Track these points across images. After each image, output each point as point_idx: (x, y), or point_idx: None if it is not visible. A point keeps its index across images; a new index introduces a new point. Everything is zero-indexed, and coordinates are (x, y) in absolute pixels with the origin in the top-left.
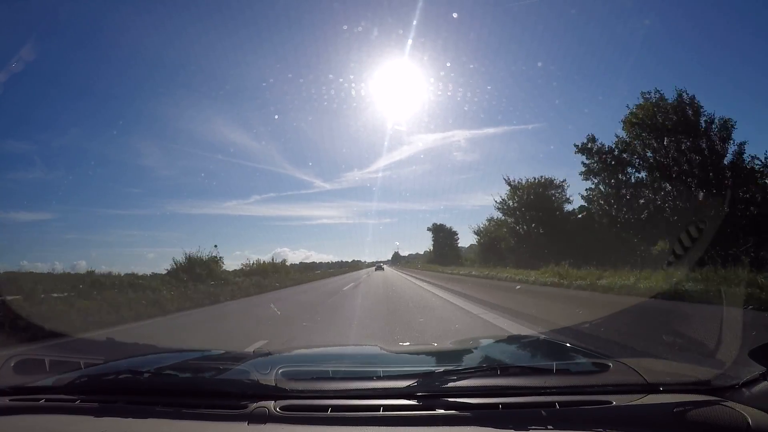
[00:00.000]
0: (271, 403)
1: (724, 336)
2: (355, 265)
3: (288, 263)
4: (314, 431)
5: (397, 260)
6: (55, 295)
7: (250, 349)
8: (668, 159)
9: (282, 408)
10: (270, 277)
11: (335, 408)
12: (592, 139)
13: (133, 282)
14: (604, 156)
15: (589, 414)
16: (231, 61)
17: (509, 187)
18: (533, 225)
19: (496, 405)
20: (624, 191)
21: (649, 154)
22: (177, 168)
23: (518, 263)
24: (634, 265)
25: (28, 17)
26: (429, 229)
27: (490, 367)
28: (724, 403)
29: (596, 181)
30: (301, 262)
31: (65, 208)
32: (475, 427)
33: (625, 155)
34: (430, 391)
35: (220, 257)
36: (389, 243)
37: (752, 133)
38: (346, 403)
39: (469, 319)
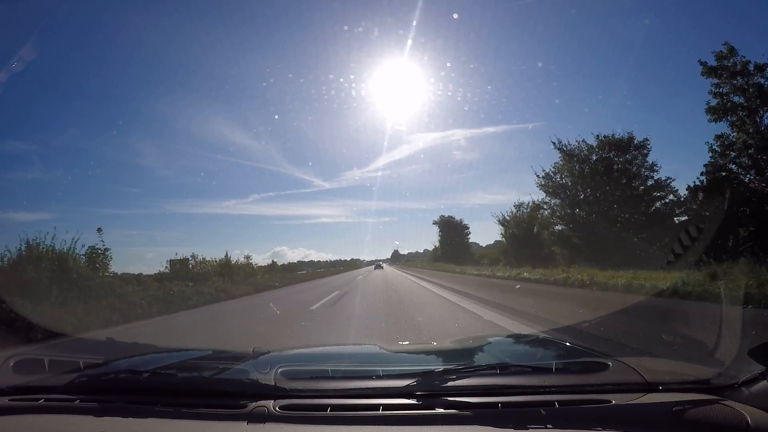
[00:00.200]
0: (270, 403)
1: (723, 335)
2: (354, 264)
3: (252, 262)
4: (314, 430)
5: (396, 259)
6: None
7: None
8: None
9: (281, 407)
10: (213, 283)
11: (335, 407)
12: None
13: None
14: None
15: (589, 413)
16: (230, 60)
17: (560, 154)
18: (599, 206)
19: (495, 404)
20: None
21: None
22: (176, 167)
23: (571, 260)
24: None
25: (27, 17)
26: (435, 223)
27: (489, 366)
28: (724, 402)
29: None
30: (287, 263)
31: (64, 208)
32: (475, 426)
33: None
34: (429, 390)
35: (105, 251)
36: (389, 242)
37: None
38: (346, 403)
39: None
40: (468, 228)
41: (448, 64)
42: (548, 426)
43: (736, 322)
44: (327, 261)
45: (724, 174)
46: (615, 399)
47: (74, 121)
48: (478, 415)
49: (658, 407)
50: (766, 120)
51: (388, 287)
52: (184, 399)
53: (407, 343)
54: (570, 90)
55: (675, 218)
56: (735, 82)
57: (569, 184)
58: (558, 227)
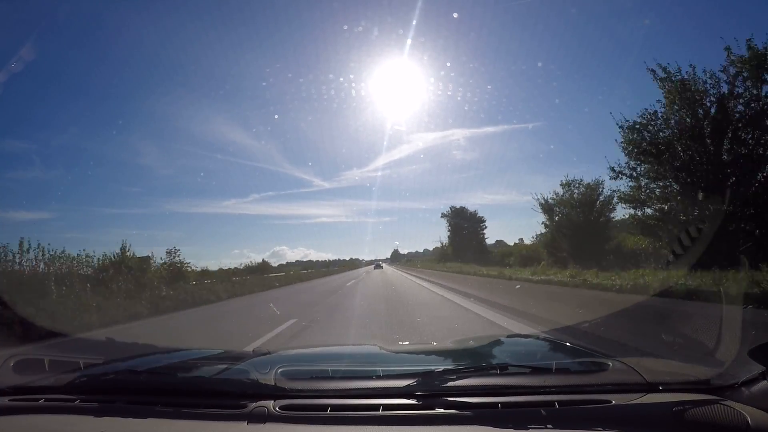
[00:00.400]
0: (270, 403)
1: (723, 335)
2: (352, 264)
3: (192, 267)
4: (314, 431)
5: (396, 259)
6: None
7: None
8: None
9: (281, 407)
10: (148, 290)
11: (335, 407)
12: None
13: None
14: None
15: (589, 413)
16: (230, 60)
17: (663, 84)
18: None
19: (495, 404)
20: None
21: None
22: (176, 167)
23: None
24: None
25: (27, 17)
26: (443, 216)
27: (489, 366)
28: (724, 403)
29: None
30: (253, 263)
31: (64, 208)
32: (475, 426)
33: None
34: (429, 390)
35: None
36: (389, 242)
37: None
38: (346, 403)
39: None
40: (484, 221)
41: (448, 64)
42: (548, 426)
43: (736, 323)
44: (326, 260)
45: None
46: (615, 399)
47: (74, 121)
48: (478, 415)
49: (659, 407)
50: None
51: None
52: (184, 399)
53: (407, 343)
54: (570, 90)
55: None
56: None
57: (674, 136)
58: (648, 209)
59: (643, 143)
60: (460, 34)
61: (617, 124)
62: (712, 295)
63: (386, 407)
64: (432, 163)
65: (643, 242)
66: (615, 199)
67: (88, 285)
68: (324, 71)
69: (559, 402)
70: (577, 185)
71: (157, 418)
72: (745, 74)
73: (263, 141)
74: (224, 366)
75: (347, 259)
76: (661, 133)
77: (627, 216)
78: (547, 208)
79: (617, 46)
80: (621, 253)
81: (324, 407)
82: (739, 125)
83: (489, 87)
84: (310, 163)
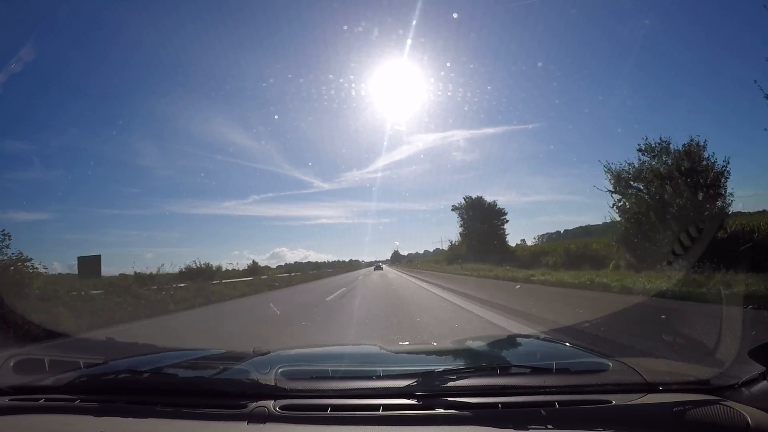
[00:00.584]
0: (270, 403)
1: (723, 335)
2: (352, 265)
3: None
4: (314, 431)
5: (397, 260)
6: None
7: None
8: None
9: (281, 407)
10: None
11: (335, 407)
12: None
13: None
14: None
15: (589, 413)
16: (230, 60)
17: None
18: None
19: (495, 404)
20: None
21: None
22: (176, 168)
23: None
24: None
25: (27, 17)
26: (455, 209)
27: (489, 366)
28: (724, 403)
29: None
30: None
31: (64, 208)
32: (475, 426)
33: None
34: (429, 390)
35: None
36: (389, 243)
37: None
38: (346, 403)
39: None
40: (505, 214)
41: (448, 65)
42: (548, 426)
43: (736, 323)
44: (325, 262)
45: None
46: (615, 399)
47: (74, 121)
48: (478, 415)
49: (659, 407)
50: None
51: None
52: (184, 399)
53: (407, 343)
54: (570, 90)
55: None
56: None
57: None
58: None
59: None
60: (460, 34)
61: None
62: (713, 296)
63: (386, 407)
64: (432, 164)
65: None
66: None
67: None
68: (324, 72)
69: (559, 402)
70: (666, 148)
71: (157, 418)
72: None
73: (263, 142)
74: (224, 366)
75: (347, 260)
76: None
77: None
78: (618, 182)
79: (617, 46)
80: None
81: (324, 407)
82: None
83: (489, 87)
84: (310, 164)
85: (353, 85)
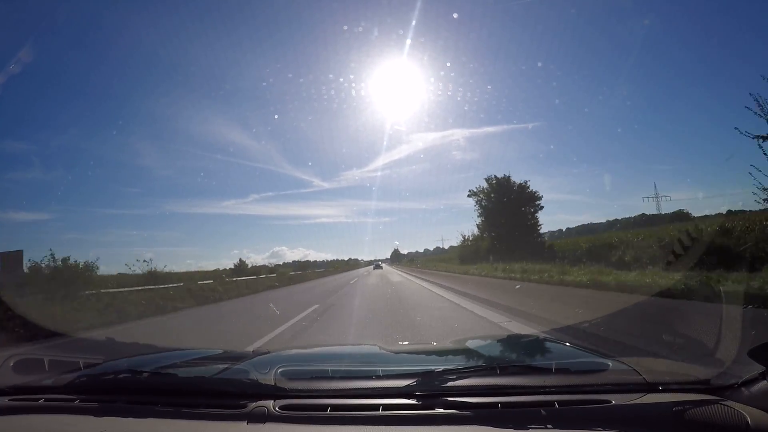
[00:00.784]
0: (270, 403)
1: (723, 335)
2: (351, 264)
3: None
4: (313, 431)
5: (397, 259)
6: None
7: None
8: None
9: (281, 407)
10: None
11: (334, 407)
12: None
13: None
14: None
15: (589, 413)
16: (230, 60)
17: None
18: None
19: (495, 404)
20: None
21: None
22: (175, 167)
23: None
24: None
25: (26, 18)
26: (473, 194)
27: (489, 366)
28: (724, 403)
29: None
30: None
31: (64, 208)
32: (475, 426)
33: None
34: (429, 390)
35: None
36: (389, 242)
37: None
38: (346, 403)
39: None
40: (540, 198)
41: (448, 64)
42: (548, 426)
43: (736, 322)
44: (325, 261)
45: None
46: (615, 399)
47: (74, 121)
48: (478, 415)
49: (658, 407)
50: None
51: None
52: (184, 399)
53: (407, 343)
54: (570, 90)
55: None
56: None
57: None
58: None
59: None
60: (459, 34)
61: None
62: (713, 295)
63: (386, 407)
64: (432, 163)
65: None
66: None
67: None
68: (324, 71)
69: (559, 402)
70: None
71: (157, 418)
72: None
73: (263, 141)
74: (224, 366)
75: (347, 259)
76: None
77: None
78: None
79: (617, 46)
80: None
81: (324, 407)
82: None
83: (489, 87)
84: (309, 163)
85: (353, 84)
